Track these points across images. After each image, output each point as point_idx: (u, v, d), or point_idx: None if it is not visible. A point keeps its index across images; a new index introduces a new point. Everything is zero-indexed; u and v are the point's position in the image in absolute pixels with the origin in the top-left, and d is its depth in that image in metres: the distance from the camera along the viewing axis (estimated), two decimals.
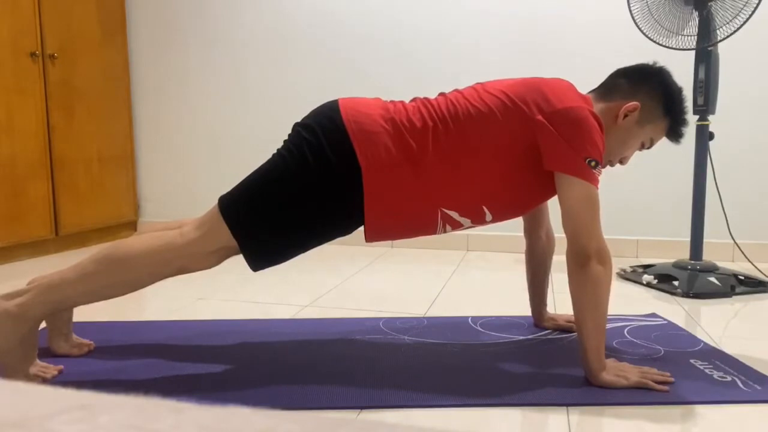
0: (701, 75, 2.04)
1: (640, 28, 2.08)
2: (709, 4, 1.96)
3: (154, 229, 1.33)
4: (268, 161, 1.21)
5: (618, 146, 1.32)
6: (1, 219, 2.41)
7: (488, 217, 1.26)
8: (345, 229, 1.23)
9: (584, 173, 1.15)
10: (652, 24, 2.07)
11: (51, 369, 1.22)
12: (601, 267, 1.16)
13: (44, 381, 1.19)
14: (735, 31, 1.91)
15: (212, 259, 1.20)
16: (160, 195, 3.27)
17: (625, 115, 1.29)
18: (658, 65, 1.34)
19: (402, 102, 1.25)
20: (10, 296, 1.16)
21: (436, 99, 1.25)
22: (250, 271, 2.28)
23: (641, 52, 2.53)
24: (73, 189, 2.77)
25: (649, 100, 1.30)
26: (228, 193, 1.22)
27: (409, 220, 1.22)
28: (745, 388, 1.17)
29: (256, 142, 3.08)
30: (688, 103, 1.36)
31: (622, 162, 1.36)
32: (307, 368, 1.28)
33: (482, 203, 1.23)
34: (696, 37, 2.02)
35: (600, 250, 1.16)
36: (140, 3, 3.16)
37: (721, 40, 1.97)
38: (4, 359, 1.14)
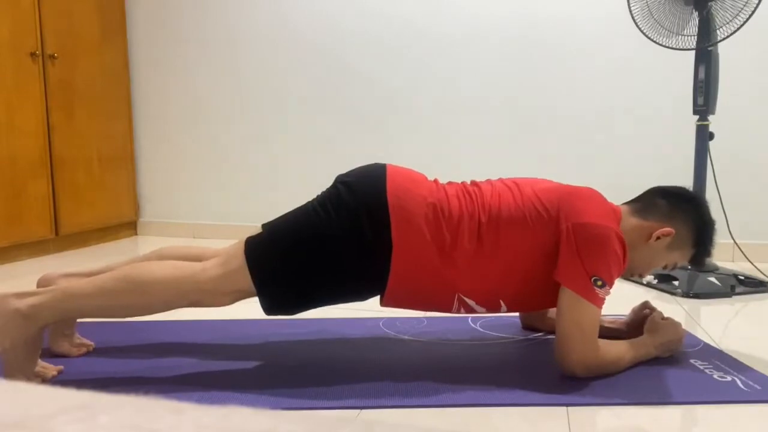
0: (701, 75, 2.04)
1: (640, 28, 2.08)
2: (709, 4, 1.96)
3: (175, 254, 1.34)
4: (304, 214, 1.21)
5: (642, 264, 1.34)
6: (1, 219, 2.41)
7: (503, 308, 1.29)
8: (363, 297, 1.26)
9: (585, 291, 1.16)
10: (652, 24, 2.07)
11: (51, 369, 1.22)
12: (588, 374, 1.21)
13: (44, 381, 1.19)
14: (735, 31, 1.91)
15: (227, 299, 1.20)
16: (160, 195, 3.26)
17: (657, 238, 1.29)
18: (696, 193, 1.36)
19: (445, 187, 1.26)
20: (22, 295, 1.15)
21: (474, 190, 1.26)
22: None
23: (641, 51, 2.53)
24: (73, 189, 2.77)
25: (683, 228, 1.30)
26: (256, 239, 1.21)
27: (426, 298, 1.26)
28: (745, 388, 1.17)
29: (256, 142, 3.08)
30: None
31: (640, 275, 1.39)
32: (307, 368, 1.28)
33: (499, 297, 1.26)
34: (696, 37, 2.02)
35: (583, 365, 1.20)
36: (140, 3, 3.16)
37: (721, 40, 1.97)
38: (9, 357, 1.14)
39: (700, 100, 2.05)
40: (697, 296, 1.93)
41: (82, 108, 2.82)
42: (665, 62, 2.54)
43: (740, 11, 1.89)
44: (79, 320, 1.40)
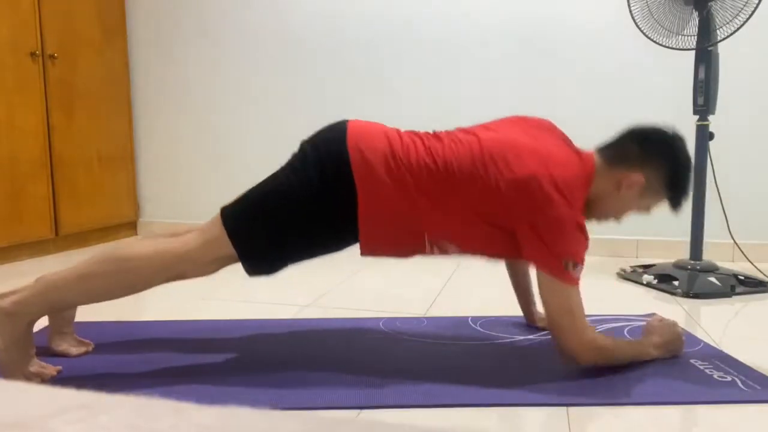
0: (701, 75, 2.04)
1: (640, 28, 2.08)
2: (709, 4, 1.96)
3: (159, 234, 1.37)
4: (272, 176, 1.26)
5: (614, 210, 1.34)
6: (1, 219, 2.41)
7: (472, 253, 1.31)
8: (339, 246, 1.27)
9: (559, 274, 1.18)
10: (652, 24, 2.07)
11: (50, 369, 1.22)
12: (589, 356, 1.23)
13: (43, 381, 1.19)
14: (735, 31, 1.91)
15: (211, 267, 1.23)
16: (160, 195, 3.26)
17: (627, 187, 1.28)
18: (672, 132, 1.31)
19: (407, 137, 1.25)
20: (4, 295, 1.16)
21: (436, 143, 1.24)
22: None
23: (641, 51, 2.53)
24: (73, 189, 2.77)
25: (655, 174, 1.28)
26: (230, 204, 1.25)
27: (399, 242, 1.28)
28: (745, 388, 1.17)
29: (256, 142, 3.08)
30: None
31: (615, 220, 1.38)
32: (307, 368, 1.28)
33: (473, 244, 1.28)
34: (696, 37, 2.02)
35: (582, 345, 1.22)
36: (140, 3, 3.16)
37: (721, 40, 1.97)
38: (1, 357, 1.14)
39: (700, 100, 2.05)
40: (697, 296, 1.93)
41: (82, 108, 2.81)
42: (665, 62, 2.54)
43: (740, 11, 1.89)
44: (79, 320, 1.40)
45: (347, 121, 1.28)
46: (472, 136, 1.25)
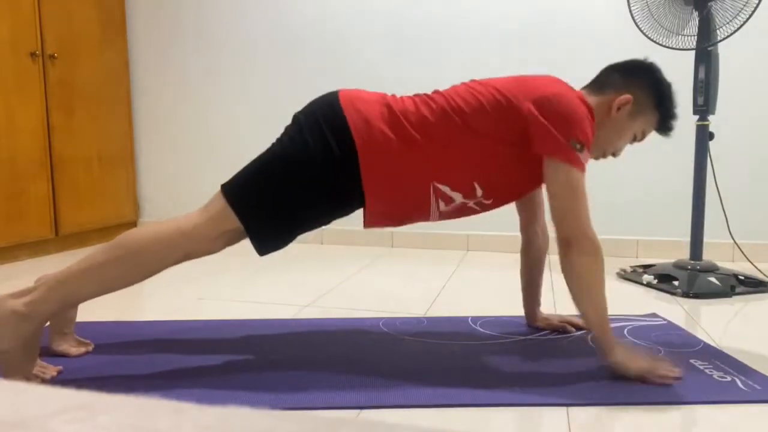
0: (701, 75, 2.04)
1: (640, 28, 2.08)
2: (709, 4, 1.96)
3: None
4: (269, 148, 1.26)
5: (611, 139, 1.37)
6: (1, 219, 2.41)
7: (479, 192, 1.29)
8: (345, 208, 1.27)
9: (568, 156, 1.20)
10: (652, 24, 2.07)
11: (50, 369, 1.22)
12: (584, 258, 1.20)
13: (43, 381, 1.19)
14: (735, 31, 1.91)
15: (218, 243, 1.22)
16: (160, 195, 3.27)
17: (618, 108, 1.33)
18: (648, 60, 1.38)
19: (401, 97, 1.31)
20: (17, 295, 1.15)
21: (432, 94, 1.30)
22: (251, 271, 2.28)
23: (640, 51, 2.53)
24: (73, 189, 2.77)
25: (641, 93, 1.34)
26: (230, 179, 1.26)
27: (404, 198, 1.27)
28: (745, 388, 1.17)
29: (257, 142, 3.07)
30: (680, 100, 1.41)
31: (614, 154, 1.41)
32: (307, 368, 1.28)
33: (473, 179, 1.28)
34: (696, 37, 2.02)
35: (582, 238, 1.21)
36: (140, 3, 3.16)
37: (721, 40, 1.97)
38: (7, 358, 1.13)
39: (700, 100, 2.05)
40: (697, 296, 1.93)
41: (82, 108, 2.82)
42: (665, 62, 2.53)
43: (740, 11, 1.89)
44: (79, 320, 1.41)
45: (338, 89, 1.30)
46: (468, 82, 1.31)
